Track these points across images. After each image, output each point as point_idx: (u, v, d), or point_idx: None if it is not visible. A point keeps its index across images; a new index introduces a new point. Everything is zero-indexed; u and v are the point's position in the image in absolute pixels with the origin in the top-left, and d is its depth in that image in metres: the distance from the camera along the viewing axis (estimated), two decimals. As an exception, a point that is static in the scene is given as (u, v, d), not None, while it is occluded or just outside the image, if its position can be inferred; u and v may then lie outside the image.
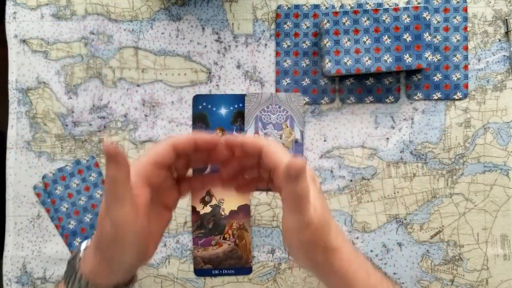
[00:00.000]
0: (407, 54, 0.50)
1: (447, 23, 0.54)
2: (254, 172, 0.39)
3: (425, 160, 0.54)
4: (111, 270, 0.37)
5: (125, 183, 0.33)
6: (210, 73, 0.55)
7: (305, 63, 0.55)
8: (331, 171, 0.55)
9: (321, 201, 0.37)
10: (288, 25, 0.55)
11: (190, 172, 0.39)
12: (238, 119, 0.55)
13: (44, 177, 0.54)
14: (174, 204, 0.39)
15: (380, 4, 0.55)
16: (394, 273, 0.54)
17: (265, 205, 0.55)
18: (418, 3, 0.55)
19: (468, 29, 0.54)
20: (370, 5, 0.55)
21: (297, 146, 0.55)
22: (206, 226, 0.54)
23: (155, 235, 0.38)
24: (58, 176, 0.54)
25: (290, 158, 0.35)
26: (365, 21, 0.51)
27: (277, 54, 0.55)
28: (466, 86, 0.54)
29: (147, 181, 0.35)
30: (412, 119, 0.55)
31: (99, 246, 0.36)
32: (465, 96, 0.54)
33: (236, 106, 0.55)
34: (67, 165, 0.54)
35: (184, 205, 0.55)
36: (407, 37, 0.50)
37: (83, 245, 0.39)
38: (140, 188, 0.35)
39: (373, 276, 0.40)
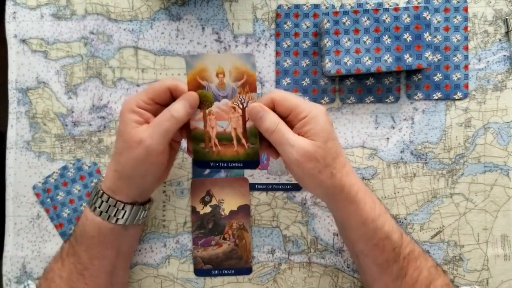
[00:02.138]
0: (407, 54, 0.50)
1: (448, 23, 0.54)
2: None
3: (425, 160, 0.54)
4: (130, 187, 0.44)
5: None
6: (210, 73, 0.55)
7: (305, 63, 0.55)
8: (331, 171, 0.55)
9: (320, 136, 0.41)
10: (288, 25, 0.55)
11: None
12: (238, 119, 0.55)
13: (34, 187, 0.54)
14: (181, 136, 0.46)
15: (380, 4, 0.55)
16: (394, 273, 0.54)
17: (265, 205, 0.55)
18: (418, 3, 0.54)
19: (469, 29, 0.54)
20: (370, 5, 0.54)
21: (297, 146, 0.55)
22: (206, 226, 0.54)
23: (170, 162, 0.47)
24: (60, 182, 0.53)
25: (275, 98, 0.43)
26: (365, 21, 0.50)
27: (277, 54, 0.55)
28: (466, 86, 0.54)
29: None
30: (412, 119, 0.55)
31: (120, 170, 0.43)
32: (465, 96, 0.54)
33: (236, 106, 0.55)
34: (54, 173, 0.54)
35: (184, 205, 0.55)
36: (407, 37, 0.50)
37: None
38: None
39: (378, 206, 0.45)
